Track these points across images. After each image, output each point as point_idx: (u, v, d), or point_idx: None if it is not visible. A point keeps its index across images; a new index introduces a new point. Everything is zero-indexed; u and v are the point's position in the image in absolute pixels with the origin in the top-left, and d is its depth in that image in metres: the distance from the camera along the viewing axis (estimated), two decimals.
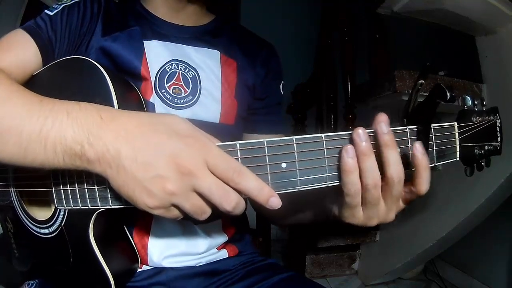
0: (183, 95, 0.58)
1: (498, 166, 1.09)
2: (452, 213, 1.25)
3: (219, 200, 0.33)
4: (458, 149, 0.41)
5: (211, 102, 0.60)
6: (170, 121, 0.35)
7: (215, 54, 0.62)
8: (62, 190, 0.44)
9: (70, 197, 0.44)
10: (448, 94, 0.35)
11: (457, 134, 0.41)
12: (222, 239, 0.63)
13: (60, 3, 0.58)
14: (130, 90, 0.51)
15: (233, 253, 0.64)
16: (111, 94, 0.43)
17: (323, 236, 1.58)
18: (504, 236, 1.40)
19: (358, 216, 0.39)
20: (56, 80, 0.50)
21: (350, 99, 1.52)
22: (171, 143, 0.33)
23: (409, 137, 0.38)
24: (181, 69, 0.59)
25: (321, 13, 1.88)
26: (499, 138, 0.43)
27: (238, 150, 0.36)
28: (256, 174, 0.35)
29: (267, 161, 0.36)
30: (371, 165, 0.35)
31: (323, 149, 0.36)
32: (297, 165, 0.36)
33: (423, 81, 0.39)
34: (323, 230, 1.59)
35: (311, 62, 1.91)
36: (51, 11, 0.56)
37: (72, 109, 0.35)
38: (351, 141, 0.36)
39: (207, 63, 0.61)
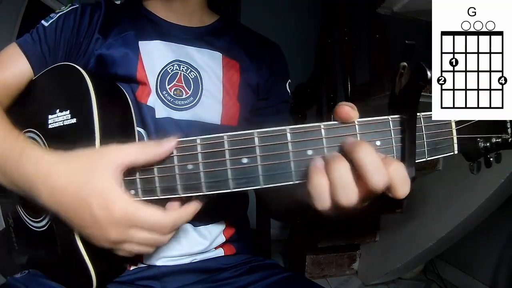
0: (184, 96, 0.58)
1: (498, 166, 1.09)
2: (452, 213, 1.25)
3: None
4: (455, 141, 0.35)
5: (212, 103, 0.60)
6: (96, 187, 0.37)
7: (217, 55, 0.62)
8: None
9: None
10: (429, 73, 0.29)
11: (453, 123, 0.34)
12: (219, 240, 0.62)
13: (58, 11, 0.58)
14: (116, 94, 0.52)
15: (230, 252, 0.64)
16: (91, 100, 0.44)
17: (323, 236, 1.58)
18: (504, 236, 1.40)
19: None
20: (43, 87, 0.53)
21: (350, 99, 1.52)
22: (95, 222, 0.37)
23: (391, 127, 0.33)
24: (182, 70, 0.59)
25: (321, 13, 1.88)
26: (509, 130, 0.36)
27: (198, 145, 0.35)
28: (217, 170, 0.35)
29: (227, 156, 0.35)
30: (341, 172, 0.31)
31: (288, 142, 0.33)
32: (258, 160, 0.34)
33: (405, 63, 0.32)
34: (323, 230, 1.59)
35: (311, 62, 1.91)
36: (47, 22, 0.57)
37: (20, 156, 0.41)
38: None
39: (209, 64, 0.61)
